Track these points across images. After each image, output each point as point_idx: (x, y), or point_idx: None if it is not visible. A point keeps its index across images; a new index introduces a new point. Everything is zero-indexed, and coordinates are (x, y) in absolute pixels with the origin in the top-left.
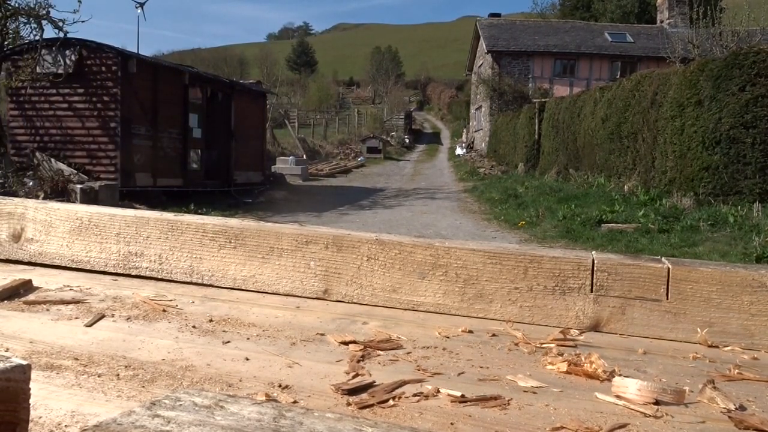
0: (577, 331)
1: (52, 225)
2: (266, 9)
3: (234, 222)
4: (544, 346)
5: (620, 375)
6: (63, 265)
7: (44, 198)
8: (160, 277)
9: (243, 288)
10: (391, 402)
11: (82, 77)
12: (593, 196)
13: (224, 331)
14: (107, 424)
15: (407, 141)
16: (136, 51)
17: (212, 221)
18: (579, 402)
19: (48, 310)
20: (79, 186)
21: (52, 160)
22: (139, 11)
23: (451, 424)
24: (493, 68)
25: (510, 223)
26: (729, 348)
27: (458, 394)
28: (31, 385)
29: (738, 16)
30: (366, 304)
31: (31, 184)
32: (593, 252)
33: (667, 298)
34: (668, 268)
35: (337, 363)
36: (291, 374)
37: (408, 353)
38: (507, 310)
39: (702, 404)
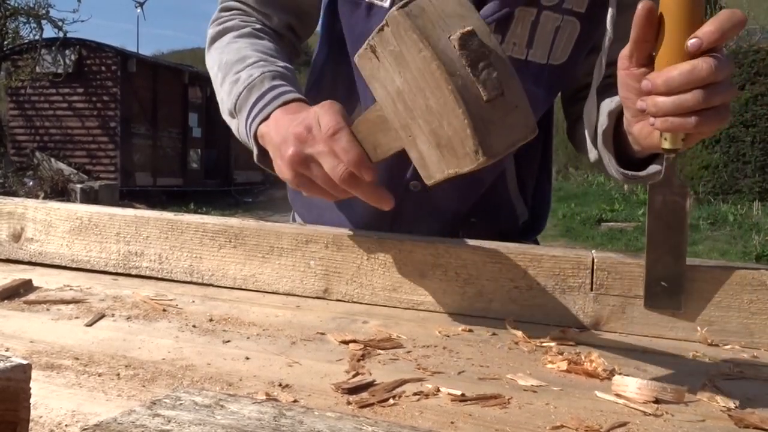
0: (577, 330)
1: (52, 225)
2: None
3: (234, 221)
4: (544, 344)
5: (620, 373)
6: (63, 264)
7: (44, 198)
8: (160, 276)
9: (243, 287)
10: (391, 401)
11: (81, 77)
12: (593, 194)
13: (224, 330)
14: (108, 424)
15: None
16: (135, 50)
17: (212, 221)
18: (579, 400)
19: (48, 309)
20: (79, 186)
21: (52, 159)
22: (138, 11)
23: (452, 422)
24: None
25: None
26: (729, 346)
27: (458, 392)
28: (32, 384)
29: None
30: (366, 303)
31: (31, 183)
32: (593, 251)
33: None
34: None
35: (338, 362)
36: (291, 373)
37: (408, 352)
38: (507, 309)
39: (702, 402)
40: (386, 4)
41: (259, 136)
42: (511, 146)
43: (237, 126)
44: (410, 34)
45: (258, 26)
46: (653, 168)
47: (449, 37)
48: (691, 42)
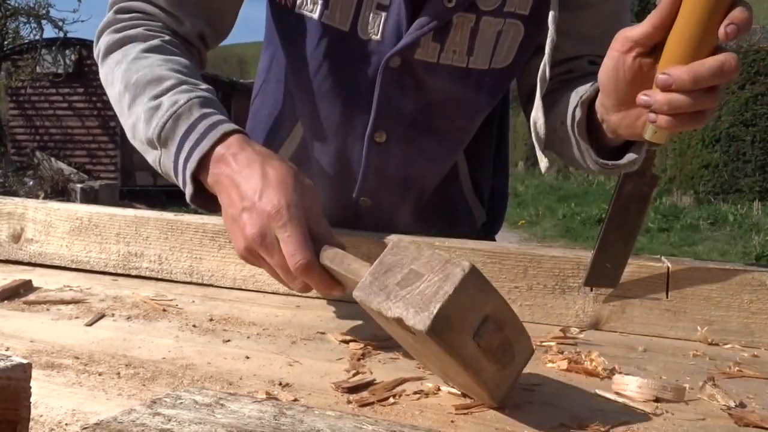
0: (577, 330)
1: (52, 225)
2: (266, 8)
3: None
4: (544, 344)
5: (620, 373)
6: (63, 265)
7: (44, 198)
8: (160, 276)
9: (243, 287)
10: (391, 400)
11: (81, 77)
12: (593, 194)
13: (224, 330)
14: (108, 423)
15: None
16: None
17: (212, 221)
18: (579, 399)
19: (48, 309)
20: (79, 185)
21: (52, 159)
22: None
23: (452, 422)
24: None
25: (509, 222)
26: (729, 345)
27: (458, 392)
28: (32, 383)
29: None
30: None
31: (31, 183)
32: (593, 251)
33: (667, 297)
34: (668, 267)
35: (338, 361)
36: (291, 372)
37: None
38: None
39: (702, 401)
40: (315, 16)
41: (211, 183)
42: (516, 381)
43: (157, 157)
44: (436, 347)
45: (167, 37)
46: (631, 156)
47: (473, 337)
48: (730, 28)
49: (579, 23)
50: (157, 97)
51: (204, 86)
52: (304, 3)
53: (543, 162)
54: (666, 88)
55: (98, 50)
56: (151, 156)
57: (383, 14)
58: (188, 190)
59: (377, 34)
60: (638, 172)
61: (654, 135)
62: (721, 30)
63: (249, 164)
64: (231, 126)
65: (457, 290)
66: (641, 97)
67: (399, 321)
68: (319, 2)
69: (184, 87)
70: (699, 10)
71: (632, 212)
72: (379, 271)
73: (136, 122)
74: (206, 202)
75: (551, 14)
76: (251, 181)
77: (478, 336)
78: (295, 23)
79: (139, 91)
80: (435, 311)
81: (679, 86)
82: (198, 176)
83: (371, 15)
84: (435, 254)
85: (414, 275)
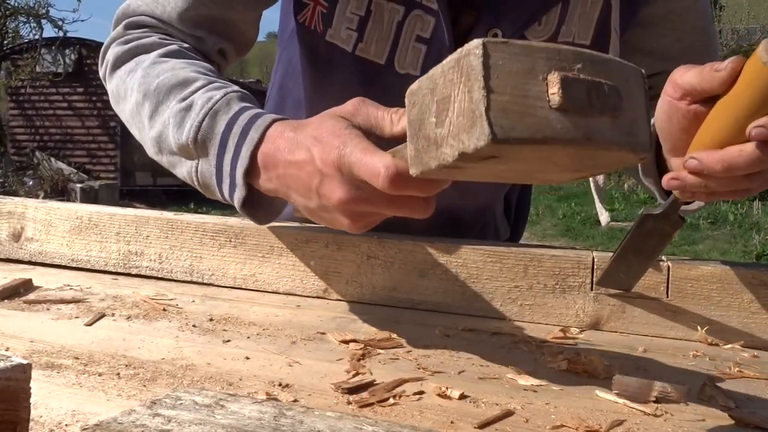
0: (578, 330)
1: (52, 224)
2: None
3: (234, 221)
4: (544, 344)
5: (620, 373)
6: (63, 264)
7: (44, 197)
8: (160, 276)
9: (243, 287)
10: (391, 400)
11: (81, 76)
12: (593, 194)
13: (224, 330)
14: (108, 423)
15: None
16: None
17: (212, 220)
18: (579, 400)
19: (48, 309)
20: (78, 185)
21: (52, 159)
22: None
23: (451, 423)
24: None
25: None
26: (729, 346)
27: (459, 392)
28: (32, 384)
29: (738, 14)
30: (366, 303)
31: (31, 183)
32: (593, 250)
33: (667, 297)
34: (668, 267)
35: (338, 362)
36: (291, 373)
37: (408, 352)
38: (507, 309)
39: (702, 402)
40: (348, 48)
41: (270, 180)
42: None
43: (193, 166)
44: (520, 150)
45: (186, 45)
46: (696, 204)
47: (549, 107)
48: (757, 131)
49: (654, 40)
50: (185, 98)
51: (236, 87)
52: (337, 33)
53: (603, 216)
54: (696, 174)
55: (105, 65)
56: (185, 168)
57: (423, 48)
58: (239, 194)
59: (416, 69)
60: (662, 215)
61: (684, 193)
62: (748, 129)
63: (297, 141)
64: (275, 116)
65: (487, 77)
66: (671, 182)
67: (463, 157)
68: (354, 34)
69: (216, 84)
70: (750, 94)
71: (651, 243)
72: (414, 132)
73: (163, 130)
74: (256, 210)
75: (611, 46)
76: (302, 150)
77: (552, 101)
78: (324, 50)
79: (163, 97)
80: (482, 114)
81: (711, 174)
82: (249, 178)
83: (410, 48)
84: (445, 65)
85: (443, 104)
